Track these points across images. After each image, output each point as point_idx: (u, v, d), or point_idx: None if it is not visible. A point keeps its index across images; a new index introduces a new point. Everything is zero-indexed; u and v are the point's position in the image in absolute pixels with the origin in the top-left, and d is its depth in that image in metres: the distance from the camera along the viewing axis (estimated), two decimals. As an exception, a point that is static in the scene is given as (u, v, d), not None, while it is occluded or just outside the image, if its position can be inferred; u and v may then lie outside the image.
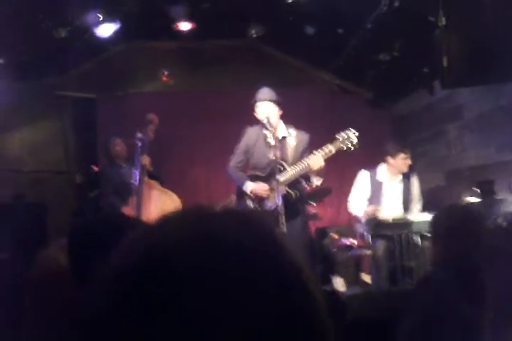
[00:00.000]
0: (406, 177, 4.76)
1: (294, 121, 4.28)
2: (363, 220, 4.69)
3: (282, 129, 4.10)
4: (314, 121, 5.78)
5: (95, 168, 5.89)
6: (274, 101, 4.03)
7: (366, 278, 5.02)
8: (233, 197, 4.60)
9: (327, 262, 5.39)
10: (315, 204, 5.25)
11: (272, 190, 3.89)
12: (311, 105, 6.20)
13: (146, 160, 4.64)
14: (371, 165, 5.06)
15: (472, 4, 3.68)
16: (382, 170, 4.76)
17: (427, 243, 4.05)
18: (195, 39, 5.94)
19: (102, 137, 5.85)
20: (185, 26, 5.27)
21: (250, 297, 0.48)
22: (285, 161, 3.97)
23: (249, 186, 3.99)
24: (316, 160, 3.75)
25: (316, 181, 3.93)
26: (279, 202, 3.57)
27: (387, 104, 6.52)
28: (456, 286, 1.84)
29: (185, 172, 6.03)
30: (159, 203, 4.65)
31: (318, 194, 5.29)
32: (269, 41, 6.17)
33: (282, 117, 4.10)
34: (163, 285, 0.47)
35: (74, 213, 5.62)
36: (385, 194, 4.75)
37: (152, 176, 4.74)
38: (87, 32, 4.96)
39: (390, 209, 4.69)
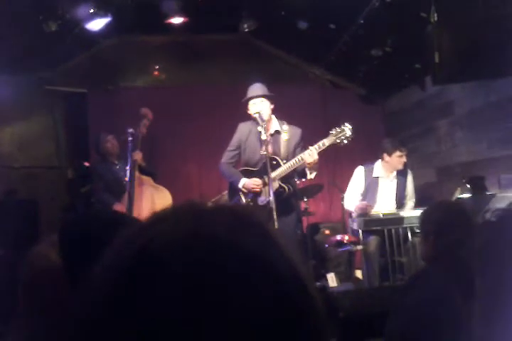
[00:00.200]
0: (401, 174, 4.79)
1: (286, 115, 4.28)
2: (354, 215, 4.72)
3: (275, 124, 4.10)
4: (306, 116, 5.78)
5: (87, 164, 5.86)
6: (266, 97, 4.04)
7: (359, 273, 5.04)
8: (225, 193, 4.60)
9: (319, 258, 5.41)
10: (306, 200, 5.25)
11: (264, 184, 3.90)
12: (303, 100, 6.20)
13: (138, 155, 4.62)
14: (363, 160, 5.08)
15: (464, 0, 3.69)
16: (378, 167, 4.78)
17: (417, 238, 4.08)
18: (187, 33, 5.91)
19: (93, 132, 5.82)
20: (177, 20, 5.24)
21: (246, 294, 0.47)
22: (278, 156, 3.98)
23: (242, 181, 4.00)
24: (310, 154, 3.76)
25: (310, 174, 3.94)
26: (272, 197, 3.57)
27: (379, 99, 6.54)
28: (446, 281, 1.85)
29: (177, 168, 6.01)
30: (151, 199, 4.64)
31: (310, 190, 5.30)
32: (261, 36, 6.16)
33: (274, 112, 4.10)
34: (157, 284, 0.47)
35: (65, 208, 5.60)
36: (380, 190, 4.77)
37: (144, 172, 4.72)
38: (78, 26, 4.92)
39: (384, 206, 4.72)
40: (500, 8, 3.51)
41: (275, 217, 3.50)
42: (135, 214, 4.42)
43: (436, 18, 3.66)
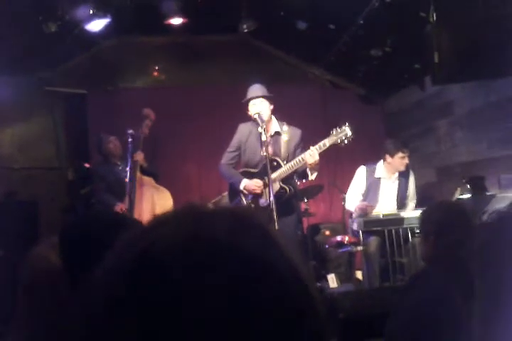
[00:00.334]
0: (403, 175, 4.78)
1: (286, 115, 4.28)
2: (354, 215, 4.72)
3: (274, 125, 4.10)
4: (306, 116, 5.78)
5: (87, 165, 5.86)
6: (266, 97, 4.03)
7: (359, 274, 5.04)
8: (225, 194, 4.60)
9: (319, 259, 5.41)
10: (306, 200, 5.25)
11: (265, 186, 3.89)
12: (303, 100, 6.20)
13: (139, 156, 4.63)
14: (363, 160, 5.08)
15: (463, 0, 3.69)
16: (380, 167, 4.78)
17: (418, 239, 4.07)
18: (186, 34, 5.91)
19: (93, 133, 5.82)
20: (176, 21, 5.24)
21: (246, 296, 0.47)
22: (278, 157, 3.97)
23: (243, 182, 3.99)
24: (312, 154, 3.76)
25: (311, 175, 3.94)
26: (272, 198, 3.57)
27: (379, 99, 6.54)
28: (446, 282, 1.85)
29: (177, 169, 6.01)
30: (152, 200, 4.64)
31: (311, 190, 5.30)
32: (261, 36, 6.16)
33: (274, 113, 4.10)
34: (158, 287, 0.47)
35: (65, 210, 5.59)
36: (381, 191, 4.77)
37: (146, 172, 4.73)
38: (78, 26, 4.92)
39: (385, 206, 4.71)
40: (500, 8, 3.51)
41: (275, 218, 3.50)
42: (136, 214, 4.43)
43: (435, 18, 3.66)
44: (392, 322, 1.86)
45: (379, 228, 4.42)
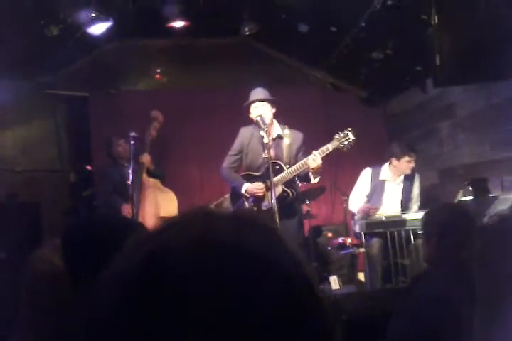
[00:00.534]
0: (408, 178, 4.76)
1: (287, 118, 4.29)
2: (356, 217, 4.71)
3: (276, 128, 4.10)
4: (307, 119, 5.79)
5: (89, 167, 5.87)
6: (268, 101, 4.04)
7: (361, 276, 5.03)
8: (227, 196, 4.61)
9: (322, 261, 5.40)
10: (308, 202, 5.26)
11: (267, 189, 3.90)
12: (304, 103, 6.20)
13: (146, 158, 4.67)
14: (364, 163, 5.08)
15: (465, 2, 3.70)
16: (385, 170, 4.77)
17: (420, 241, 4.07)
18: (188, 37, 5.92)
19: (95, 135, 5.84)
20: (178, 24, 5.25)
21: (253, 295, 0.48)
22: (280, 160, 3.98)
23: (245, 186, 4.00)
24: (314, 158, 3.77)
25: (314, 179, 3.96)
26: (274, 201, 3.58)
27: (381, 102, 6.54)
28: (448, 283, 1.85)
29: (179, 172, 6.01)
30: (156, 202, 4.66)
31: (313, 192, 5.30)
32: (262, 39, 6.17)
33: (276, 116, 4.10)
34: (164, 289, 0.48)
35: (67, 212, 5.60)
36: (386, 193, 4.76)
37: (152, 174, 4.76)
38: (80, 30, 4.93)
39: (389, 209, 4.70)
40: (502, 11, 3.51)
41: (278, 220, 3.50)
42: (140, 216, 4.45)
43: (436, 21, 3.66)
44: (395, 324, 1.86)
45: (381, 230, 4.42)
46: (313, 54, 6.16)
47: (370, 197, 4.77)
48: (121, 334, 0.48)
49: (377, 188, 4.75)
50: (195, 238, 0.51)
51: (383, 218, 4.49)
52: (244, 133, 4.14)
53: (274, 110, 4.05)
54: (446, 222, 2.21)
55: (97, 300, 0.52)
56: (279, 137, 4.08)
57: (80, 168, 5.97)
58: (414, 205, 4.83)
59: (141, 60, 6.26)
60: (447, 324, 1.69)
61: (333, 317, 0.54)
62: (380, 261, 4.44)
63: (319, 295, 0.53)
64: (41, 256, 1.33)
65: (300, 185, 4.35)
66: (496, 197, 3.96)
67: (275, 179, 3.76)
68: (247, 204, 4.01)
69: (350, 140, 3.85)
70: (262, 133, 3.83)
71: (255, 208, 3.94)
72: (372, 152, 5.79)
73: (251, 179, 4.03)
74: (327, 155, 3.88)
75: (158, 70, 6.34)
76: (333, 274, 5.17)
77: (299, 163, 3.87)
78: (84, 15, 4.61)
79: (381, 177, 4.76)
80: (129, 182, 4.44)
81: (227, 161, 4.19)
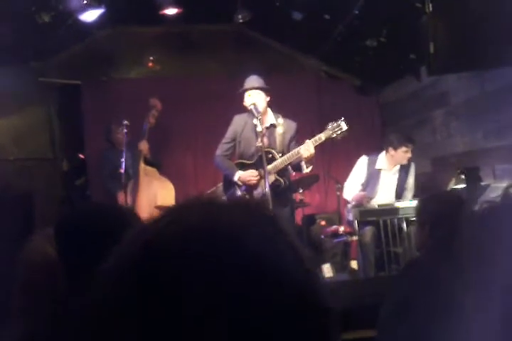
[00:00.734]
0: (404, 168, 4.76)
1: (281, 106, 4.28)
2: (350, 205, 4.73)
3: (270, 117, 4.09)
4: (301, 106, 5.78)
5: (81, 155, 5.85)
6: (262, 89, 4.03)
7: (354, 264, 5.07)
8: (220, 185, 4.61)
9: (315, 249, 5.43)
10: (301, 191, 5.27)
11: (260, 177, 3.90)
12: (298, 90, 6.18)
13: (144, 146, 4.69)
14: (358, 151, 5.09)
15: (459, -10, 3.68)
16: (382, 159, 4.77)
17: (413, 229, 4.10)
18: (181, 24, 5.87)
19: (87, 123, 5.82)
20: (171, 11, 5.20)
21: (252, 287, 0.48)
22: (273, 149, 3.98)
23: (237, 174, 4.00)
24: (307, 148, 3.76)
25: (306, 168, 3.96)
26: (267, 189, 3.58)
27: (374, 90, 6.53)
28: (439, 271, 1.86)
29: (172, 160, 5.99)
30: (153, 190, 4.68)
31: (306, 181, 5.31)
32: (256, 26, 6.12)
33: (270, 105, 4.09)
34: (161, 279, 0.48)
35: (60, 201, 5.59)
36: (381, 182, 4.77)
37: (150, 163, 4.77)
38: (72, 17, 4.87)
39: (384, 198, 4.72)
40: (496, -2, 3.50)
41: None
42: (137, 205, 4.48)
43: (431, 9, 3.64)
44: (385, 310, 1.88)
45: (374, 218, 4.44)
46: (306, 42, 6.13)
47: (365, 186, 4.77)
48: (119, 323, 0.48)
49: (373, 177, 4.76)
50: (193, 228, 0.51)
51: (376, 206, 4.51)
52: (238, 121, 4.13)
53: (268, 99, 4.04)
54: (439, 210, 2.23)
55: (94, 290, 0.52)
56: (273, 126, 4.07)
57: (72, 156, 5.94)
58: (409, 194, 4.84)
59: (133, 48, 6.20)
60: (438, 310, 1.70)
61: (337, 314, 0.54)
62: (373, 249, 4.47)
63: (322, 287, 0.53)
64: (34, 246, 1.33)
65: (294, 174, 4.35)
66: (487, 186, 3.99)
67: (268, 167, 3.76)
68: (239, 192, 4.01)
69: (342, 130, 3.85)
70: (255, 121, 3.82)
71: (247, 196, 3.94)
72: (366, 140, 5.79)
73: (244, 167, 4.03)
74: (320, 144, 3.88)
75: (151, 58, 6.29)
76: (326, 262, 5.20)
77: (292, 152, 3.87)
78: (76, 2, 4.56)
79: (377, 166, 4.76)
80: (122, 170, 4.43)
81: (221, 149, 4.18)
